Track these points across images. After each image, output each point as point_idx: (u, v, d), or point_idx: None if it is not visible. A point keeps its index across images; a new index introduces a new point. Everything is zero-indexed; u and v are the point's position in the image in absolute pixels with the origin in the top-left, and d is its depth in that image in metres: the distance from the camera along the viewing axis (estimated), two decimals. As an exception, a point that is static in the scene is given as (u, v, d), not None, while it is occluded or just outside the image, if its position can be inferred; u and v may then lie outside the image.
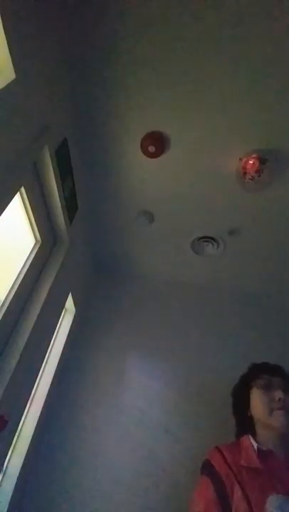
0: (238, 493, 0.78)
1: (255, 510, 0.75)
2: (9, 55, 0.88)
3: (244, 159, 1.48)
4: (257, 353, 1.45)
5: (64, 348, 1.72)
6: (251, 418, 0.96)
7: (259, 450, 0.86)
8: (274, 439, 0.88)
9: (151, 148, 1.50)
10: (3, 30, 0.84)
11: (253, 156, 1.45)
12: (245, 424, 0.98)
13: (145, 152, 1.53)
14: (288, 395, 0.90)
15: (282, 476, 0.80)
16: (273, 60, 1.23)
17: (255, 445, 0.88)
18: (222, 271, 2.15)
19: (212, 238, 1.95)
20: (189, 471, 1.39)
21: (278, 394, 0.90)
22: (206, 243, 1.98)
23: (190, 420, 1.59)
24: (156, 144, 1.49)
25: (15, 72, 0.91)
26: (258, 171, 1.45)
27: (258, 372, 1.01)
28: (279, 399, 0.89)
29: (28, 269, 1.26)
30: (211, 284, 2.23)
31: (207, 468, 0.91)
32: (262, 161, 1.44)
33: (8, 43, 0.86)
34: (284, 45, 1.19)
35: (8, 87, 0.89)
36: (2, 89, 0.87)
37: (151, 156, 1.54)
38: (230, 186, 1.61)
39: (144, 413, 1.63)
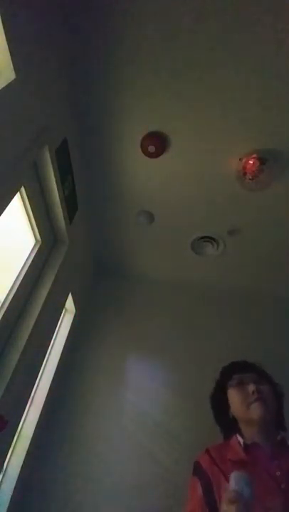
0: (225, 486, 0.82)
1: None
2: (9, 55, 0.88)
3: (244, 159, 1.48)
4: (257, 352, 1.45)
5: (64, 348, 1.72)
6: (234, 420, 0.98)
7: (245, 444, 0.91)
8: (257, 432, 0.92)
9: (151, 148, 1.50)
10: (3, 31, 0.84)
11: (253, 156, 1.45)
12: (229, 427, 1.00)
13: (145, 152, 1.53)
14: (261, 385, 0.94)
15: (267, 465, 0.85)
16: (274, 61, 1.23)
17: (242, 440, 0.93)
18: (222, 271, 2.15)
19: (212, 238, 1.95)
20: (189, 471, 1.38)
21: (251, 387, 0.94)
22: (206, 243, 1.98)
23: (190, 420, 1.59)
24: (156, 144, 1.49)
25: (15, 72, 0.91)
26: (258, 171, 1.46)
27: (229, 373, 1.04)
28: (252, 392, 0.92)
29: (28, 270, 1.26)
30: (211, 283, 2.23)
31: (196, 469, 0.97)
32: (262, 161, 1.44)
33: (8, 43, 0.86)
34: (283, 46, 1.19)
35: (8, 87, 0.89)
36: (2, 89, 0.87)
37: (151, 156, 1.54)
38: (230, 186, 1.61)
39: (144, 413, 1.63)
